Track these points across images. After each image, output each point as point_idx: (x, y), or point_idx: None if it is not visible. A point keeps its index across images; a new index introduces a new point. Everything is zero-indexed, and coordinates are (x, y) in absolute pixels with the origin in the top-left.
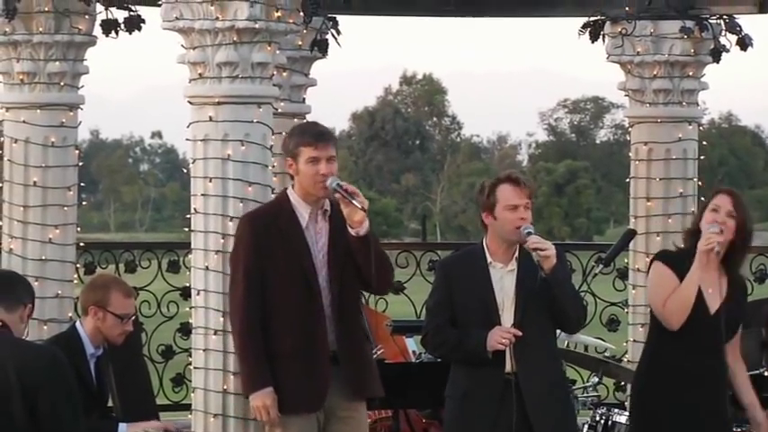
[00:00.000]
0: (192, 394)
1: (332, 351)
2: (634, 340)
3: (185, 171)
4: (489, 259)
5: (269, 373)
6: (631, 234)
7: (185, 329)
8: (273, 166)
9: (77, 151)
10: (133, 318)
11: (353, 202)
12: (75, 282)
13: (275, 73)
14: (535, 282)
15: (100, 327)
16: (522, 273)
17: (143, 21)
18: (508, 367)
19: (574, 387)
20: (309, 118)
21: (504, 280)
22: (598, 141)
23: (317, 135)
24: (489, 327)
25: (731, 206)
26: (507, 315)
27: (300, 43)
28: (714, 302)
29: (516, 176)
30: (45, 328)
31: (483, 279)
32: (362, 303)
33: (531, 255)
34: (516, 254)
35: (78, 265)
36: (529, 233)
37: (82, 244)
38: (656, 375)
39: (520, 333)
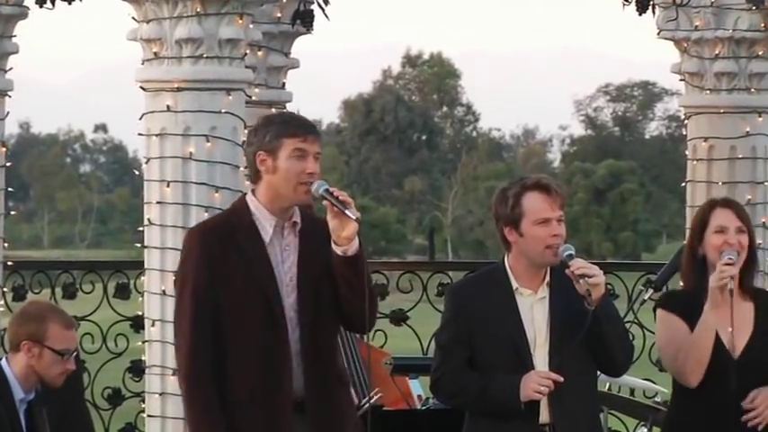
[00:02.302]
0: None
1: (299, 397)
2: None
3: (137, 173)
4: (515, 284)
5: (222, 425)
6: None
7: (137, 369)
8: (246, 167)
9: (4, 149)
10: (75, 354)
11: (346, 212)
12: (2, 309)
13: (248, 52)
14: (575, 313)
15: (35, 366)
16: (556, 301)
17: None
18: (544, 417)
19: None
20: (291, 107)
21: (534, 310)
22: (647, 136)
23: (304, 125)
24: (519, 369)
25: (738, 220)
26: (540, 354)
27: (279, 15)
28: (739, 340)
29: (546, 182)
30: None
31: (509, 309)
32: (356, 338)
33: (574, 283)
34: (547, 277)
35: (5, 289)
36: (570, 255)
37: (10, 263)
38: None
39: (561, 378)
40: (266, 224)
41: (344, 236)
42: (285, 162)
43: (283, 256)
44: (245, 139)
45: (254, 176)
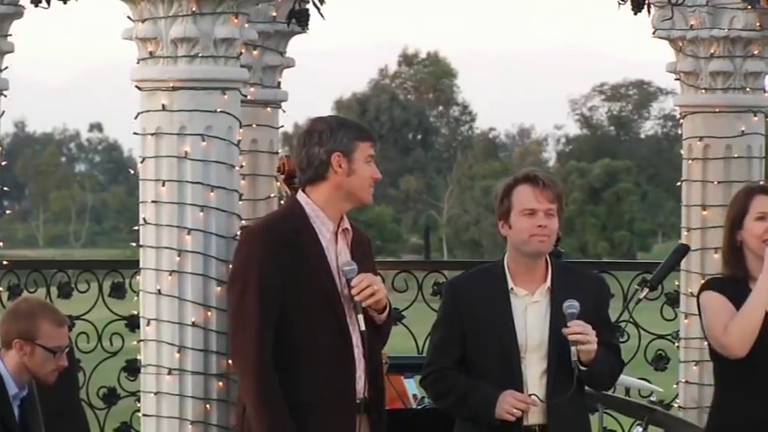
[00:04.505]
0: None
1: (359, 399)
2: (686, 381)
3: (132, 172)
4: (511, 284)
5: (293, 423)
6: (684, 250)
7: (132, 368)
8: (242, 167)
9: None
10: (67, 350)
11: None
12: None
13: (244, 51)
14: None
15: (27, 363)
16: (555, 304)
17: None
18: (535, 419)
19: None
20: (287, 106)
21: (528, 313)
22: (643, 136)
23: (371, 132)
24: (506, 371)
25: None
26: (532, 360)
27: (275, 14)
28: None
29: (535, 174)
30: None
31: (502, 310)
32: None
33: (569, 342)
34: (547, 282)
35: (1, 289)
36: (572, 314)
37: (5, 262)
38: (724, 428)
39: (538, 404)
40: (323, 229)
41: (380, 308)
42: (362, 165)
43: (338, 262)
44: (239, 138)
45: (318, 177)
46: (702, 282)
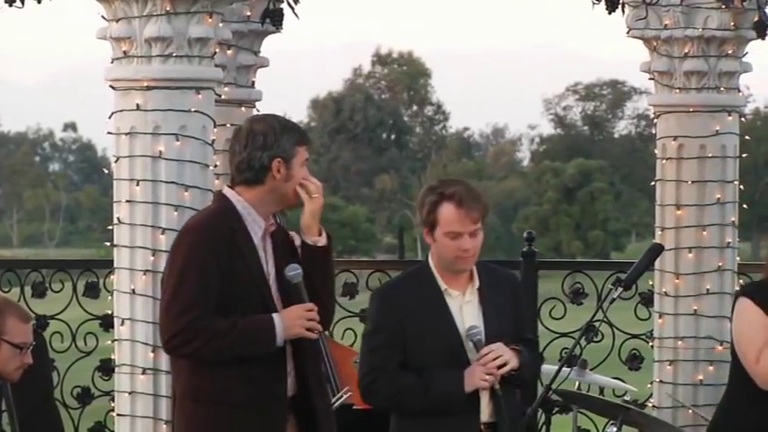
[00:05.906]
0: None
1: (290, 398)
2: (661, 381)
3: (106, 172)
4: (444, 285)
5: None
6: (657, 250)
7: (106, 368)
8: (216, 166)
9: None
10: (41, 350)
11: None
12: None
13: (218, 51)
14: (505, 318)
15: None
16: (485, 303)
17: None
18: (485, 416)
19: None
20: (261, 105)
21: (463, 312)
22: (617, 135)
23: (306, 133)
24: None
25: None
26: (474, 358)
27: (249, 14)
28: None
29: (461, 197)
30: None
31: (441, 311)
32: (326, 336)
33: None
34: (476, 282)
35: None
36: (478, 341)
37: None
38: (732, 422)
39: (508, 367)
40: (255, 227)
41: (314, 228)
42: (298, 170)
43: (266, 259)
44: (214, 137)
45: (258, 180)
46: (741, 285)
